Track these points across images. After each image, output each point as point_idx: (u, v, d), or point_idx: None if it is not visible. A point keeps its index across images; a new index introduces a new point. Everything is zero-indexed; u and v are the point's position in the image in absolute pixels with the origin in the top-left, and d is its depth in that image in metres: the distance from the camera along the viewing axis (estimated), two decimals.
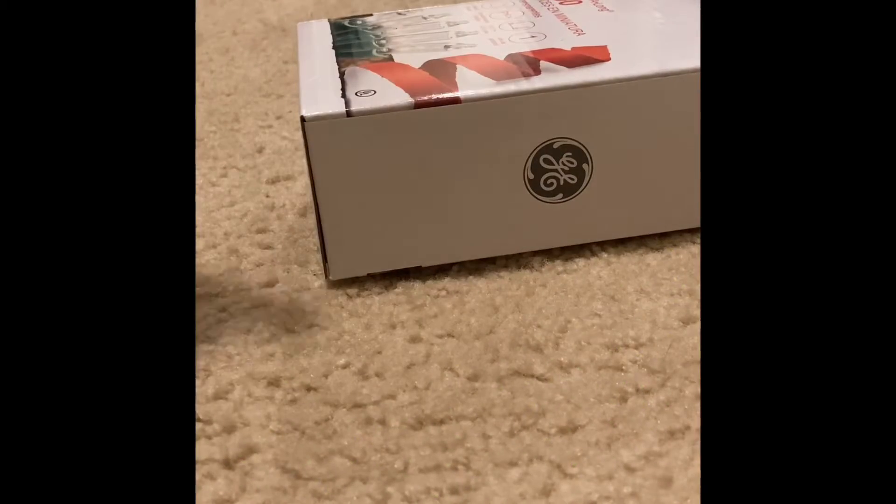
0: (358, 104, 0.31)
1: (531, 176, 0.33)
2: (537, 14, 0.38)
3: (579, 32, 0.36)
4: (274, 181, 0.43)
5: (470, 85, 0.32)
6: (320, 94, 0.32)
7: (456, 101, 0.31)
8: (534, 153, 0.33)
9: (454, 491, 0.25)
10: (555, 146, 0.33)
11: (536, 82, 0.32)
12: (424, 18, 0.39)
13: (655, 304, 0.32)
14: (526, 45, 0.35)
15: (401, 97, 0.32)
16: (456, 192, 0.33)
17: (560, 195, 0.34)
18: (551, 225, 0.34)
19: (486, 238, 0.34)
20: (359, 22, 0.40)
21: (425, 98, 0.31)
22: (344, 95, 0.32)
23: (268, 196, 0.41)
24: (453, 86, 0.32)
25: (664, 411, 0.28)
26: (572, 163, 0.33)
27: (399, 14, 0.40)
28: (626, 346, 0.30)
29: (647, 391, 0.28)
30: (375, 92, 0.32)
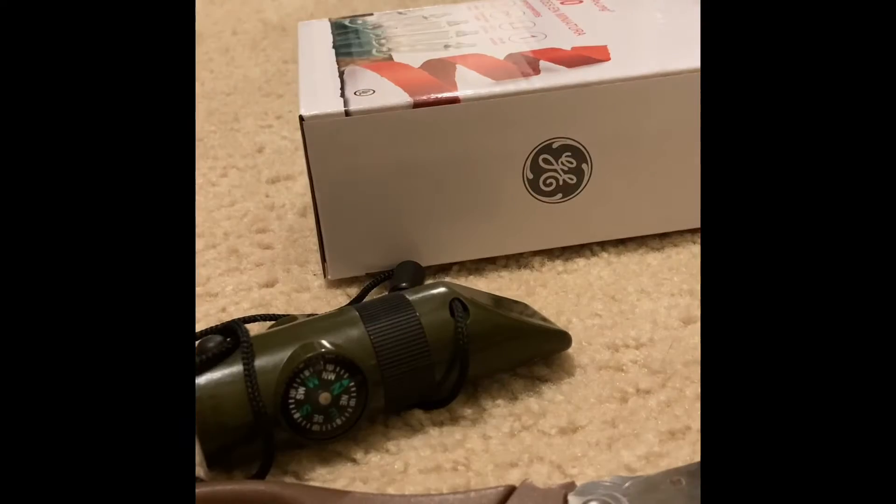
0: (356, 103, 0.31)
1: (530, 176, 0.33)
2: (538, 14, 0.38)
3: (580, 32, 0.36)
4: (274, 181, 0.43)
5: (469, 84, 0.32)
6: (319, 94, 0.32)
7: (455, 100, 0.31)
8: (533, 153, 0.33)
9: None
10: (554, 146, 0.33)
11: (535, 82, 0.32)
12: (425, 18, 0.39)
13: (656, 304, 0.32)
14: (526, 45, 0.35)
15: (399, 96, 0.31)
16: (455, 191, 0.33)
17: (559, 195, 0.34)
18: (551, 225, 0.34)
19: (485, 238, 0.34)
20: (359, 21, 0.40)
21: (424, 97, 0.31)
22: (343, 95, 0.32)
23: (268, 196, 0.41)
24: (452, 85, 0.32)
25: (664, 411, 0.27)
26: (571, 163, 0.33)
27: (400, 13, 0.40)
28: (627, 347, 0.30)
29: (647, 391, 0.28)
30: (374, 91, 0.32)
